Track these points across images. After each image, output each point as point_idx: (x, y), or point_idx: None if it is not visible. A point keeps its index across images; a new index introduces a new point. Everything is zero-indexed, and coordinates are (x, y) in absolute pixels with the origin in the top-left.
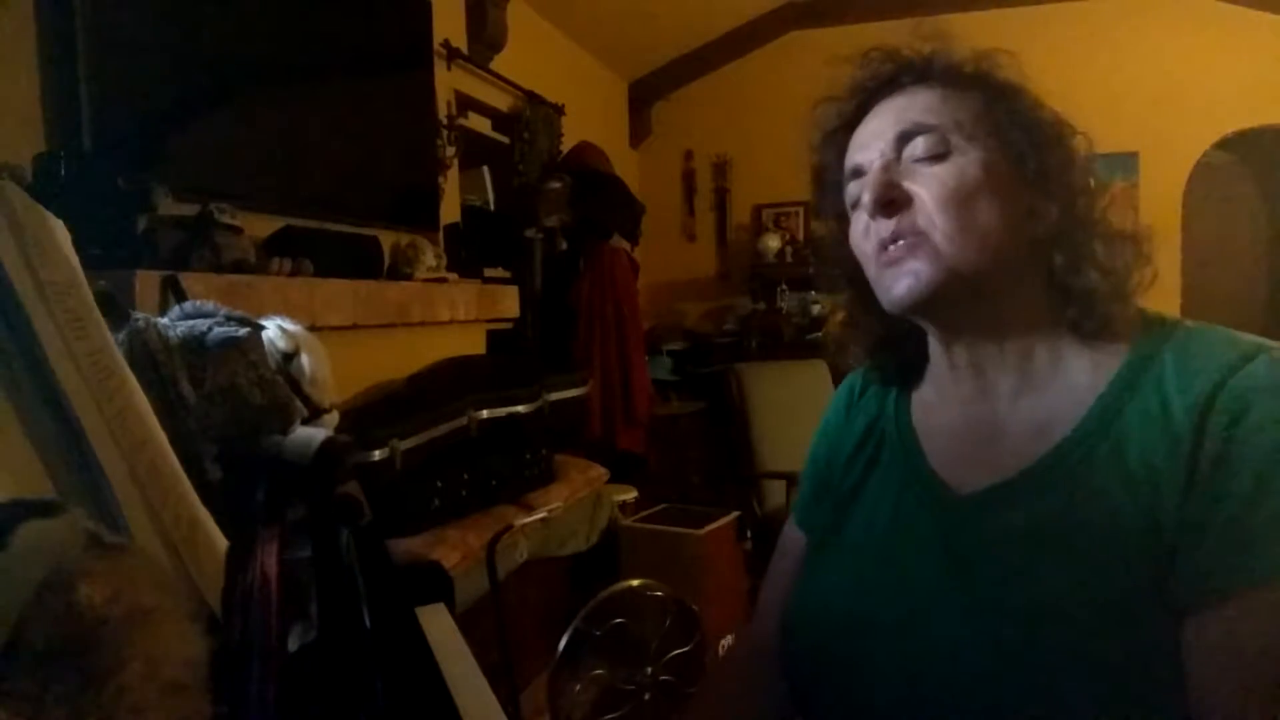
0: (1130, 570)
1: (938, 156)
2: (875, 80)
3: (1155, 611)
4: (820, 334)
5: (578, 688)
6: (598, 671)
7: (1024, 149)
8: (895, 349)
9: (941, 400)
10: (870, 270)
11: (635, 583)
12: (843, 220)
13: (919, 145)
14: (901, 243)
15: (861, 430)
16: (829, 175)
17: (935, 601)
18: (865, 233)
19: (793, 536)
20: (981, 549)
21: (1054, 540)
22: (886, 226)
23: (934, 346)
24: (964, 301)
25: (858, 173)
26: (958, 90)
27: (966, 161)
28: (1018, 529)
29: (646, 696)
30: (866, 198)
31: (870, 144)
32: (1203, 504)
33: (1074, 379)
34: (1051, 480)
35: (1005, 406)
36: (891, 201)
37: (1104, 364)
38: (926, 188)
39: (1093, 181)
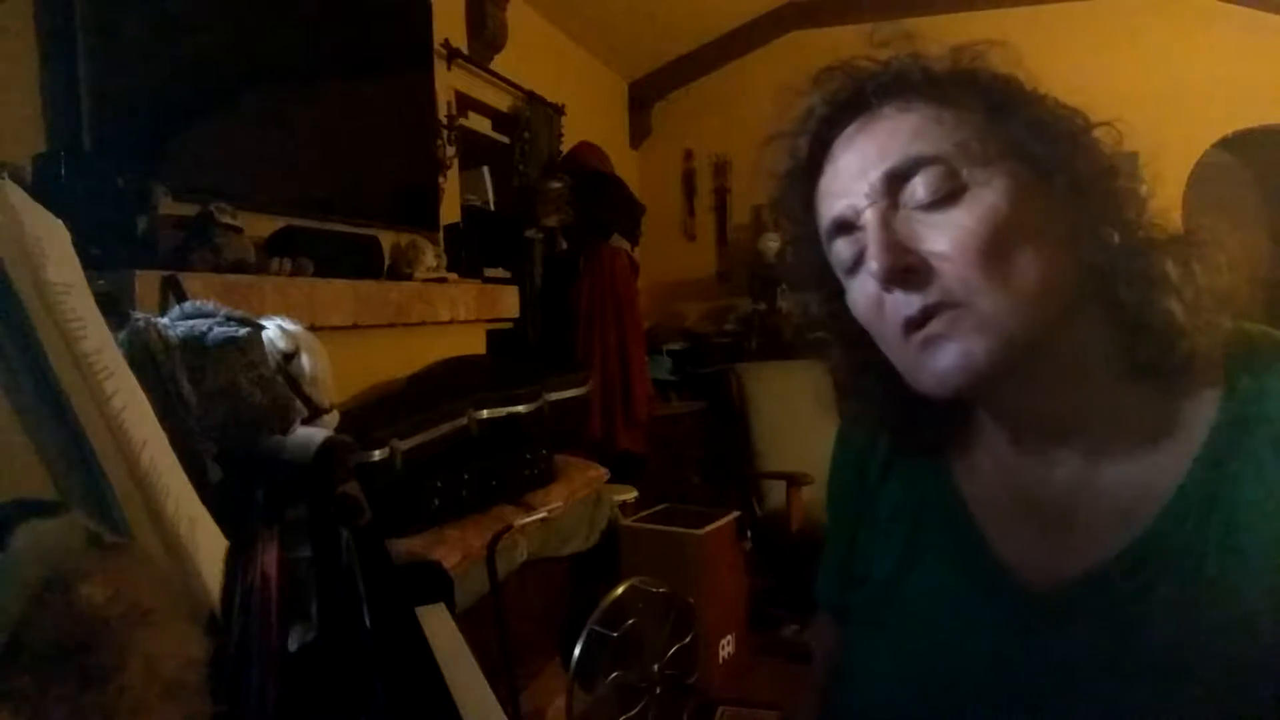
0: (1264, 683)
1: (949, 197)
2: (834, 104)
3: None
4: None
5: (602, 693)
6: (616, 674)
7: (1050, 162)
8: (920, 414)
9: (997, 475)
10: (893, 350)
11: (638, 581)
12: (827, 279)
13: (919, 186)
14: (937, 320)
15: (891, 513)
16: (797, 227)
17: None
18: (878, 306)
19: (828, 633)
20: (1075, 660)
21: (1159, 649)
22: (909, 302)
23: (980, 422)
24: (1025, 370)
25: (844, 228)
26: (947, 104)
27: (989, 196)
28: (1114, 634)
29: (658, 690)
30: (874, 267)
31: (851, 189)
32: None
33: (1163, 438)
34: (1151, 572)
35: (1081, 479)
36: (909, 269)
37: (1195, 413)
38: (950, 243)
39: (1143, 187)
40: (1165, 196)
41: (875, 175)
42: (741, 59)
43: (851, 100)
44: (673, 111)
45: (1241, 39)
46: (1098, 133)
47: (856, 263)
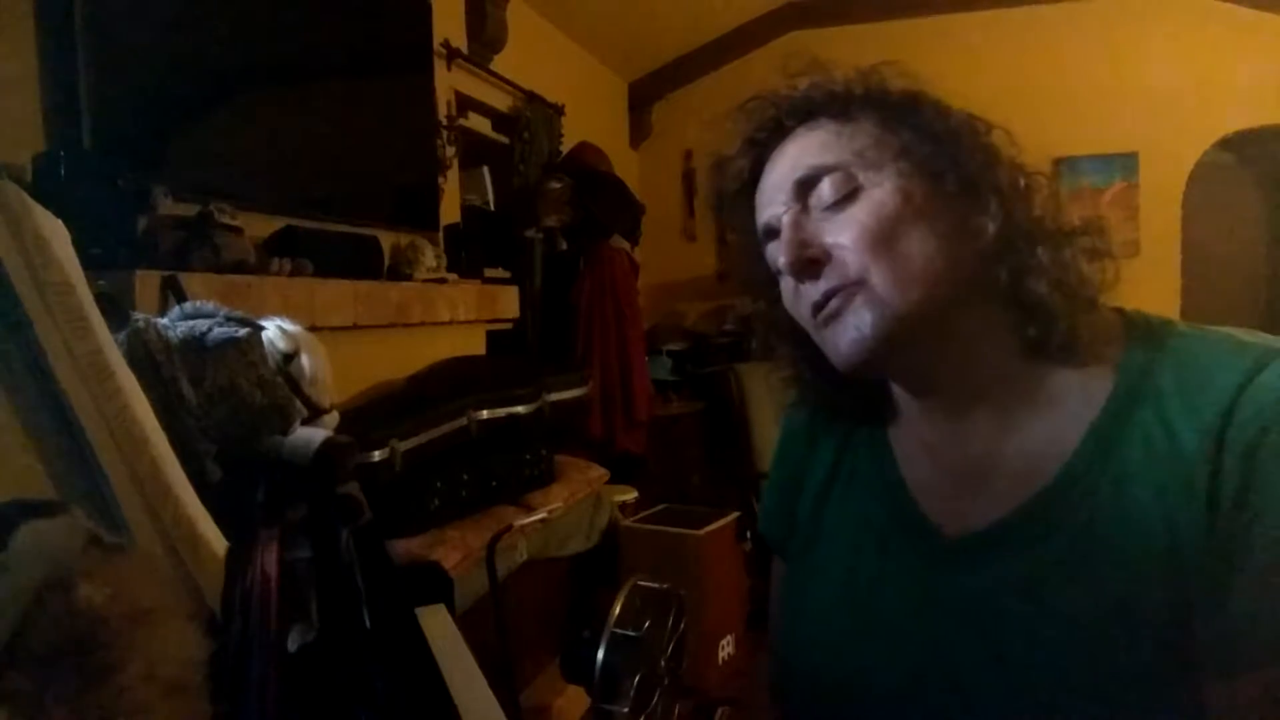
0: (1146, 626)
1: (848, 197)
2: (762, 130)
3: (1174, 670)
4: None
5: (631, 694)
6: (640, 674)
7: (939, 162)
8: (854, 393)
9: (920, 439)
10: (813, 335)
11: (638, 579)
12: (771, 283)
13: (825, 190)
14: (835, 299)
15: (831, 463)
16: (746, 239)
17: (931, 659)
18: (796, 296)
19: (780, 569)
20: (977, 600)
21: (1056, 592)
22: (815, 289)
23: (900, 393)
24: (919, 344)
25: (770, 233)
26: (849, 120)
27: (880, 193)
28: (1015, 578)
29: (666, 682)
30: (782, 261)
31: (773, 199)
32: (1227, 550)
33: (1061, 406)
34: (1050, 522)
35: (990, 442)
36: (812, 260)
37: (1091, 386)
38: (846, 233)
39: (1023, 180)
40: (1164, 196)
41: (788, 184)
42: (741, 59)
43: (775, 124)
44: (673, 111)
45: (1241, 39)
46: (994, 136)
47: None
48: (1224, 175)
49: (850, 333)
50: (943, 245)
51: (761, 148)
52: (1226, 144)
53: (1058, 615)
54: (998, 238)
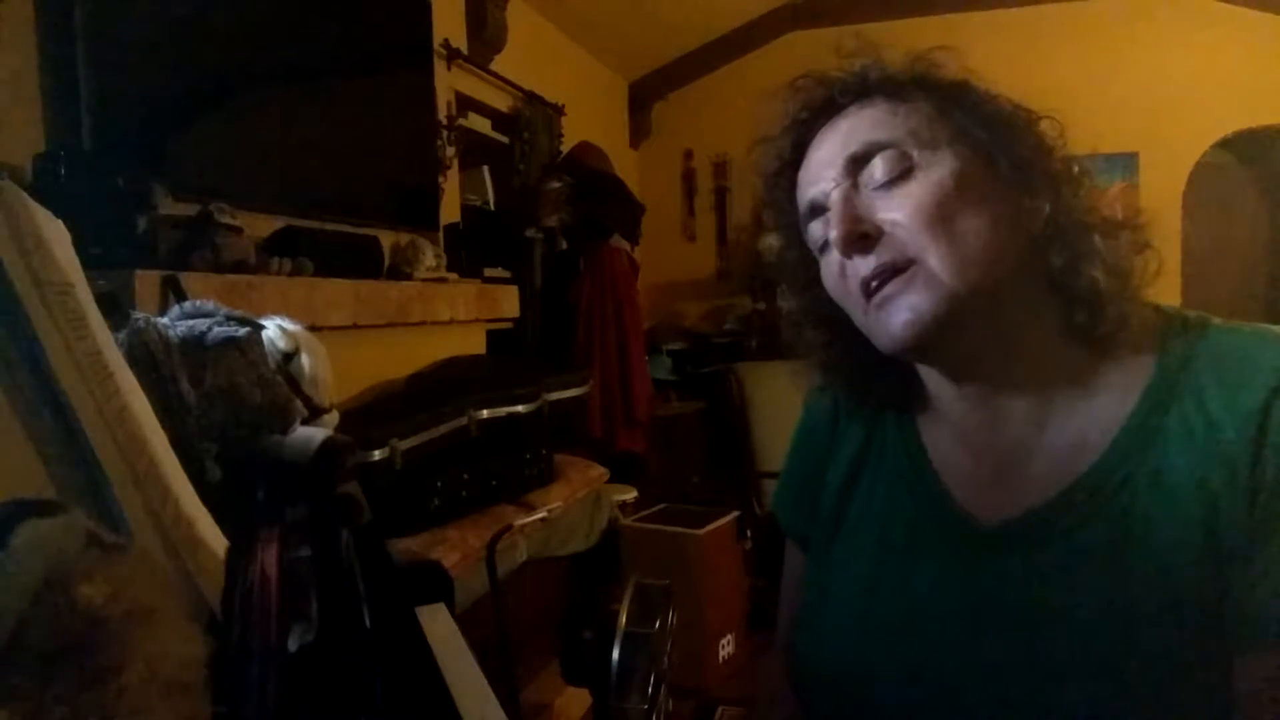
0: (1184, 616)
1: (902, 175)
2: (809, 109)
3: (1210, 658)
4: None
5: (649, 691)
6: (653, 672)
7: (992, 146)
8: (885, 376)
9: (952, 426)
10: (857, 315)
11: (638, 578)
12: (808, 264)
13: (877, 168)
14: (892, 283)
15: (857, 449)
16: (784, 219)
17: (966, 649)
18: (842, 274)
19: (797, 558)
20: (1012, 588)
21: (1093, 580)
22: (866, 264)
23: (936, 379)
24: (968, 327)
25: (815, 210)
26: (903, 100)
27: (938, 173)
28: (1051, 566)
29: (669, 678)
30: (834, 235)
31: (821, 175)
32: (1265, 533)
33: (1100, 396)
34: (1087, 511)
35: (1026, 431)
36: (864, 236)
37: (1131, 376)
38: (903, 210)
39: (1076, 168)
40: (1164, 195)
41: (840, 159)
42: (741, 59)
43: (824, 104)
44: (673, 111)
45: (1241, 39)
46: (1043, 125)
47: (826, 242)
48: (1224, 175)
49: (904, 314)
50: (998, 228)
51: (806, 126)
52: (1226, 144)
53: (1094, 605)
54: (1049, 223)
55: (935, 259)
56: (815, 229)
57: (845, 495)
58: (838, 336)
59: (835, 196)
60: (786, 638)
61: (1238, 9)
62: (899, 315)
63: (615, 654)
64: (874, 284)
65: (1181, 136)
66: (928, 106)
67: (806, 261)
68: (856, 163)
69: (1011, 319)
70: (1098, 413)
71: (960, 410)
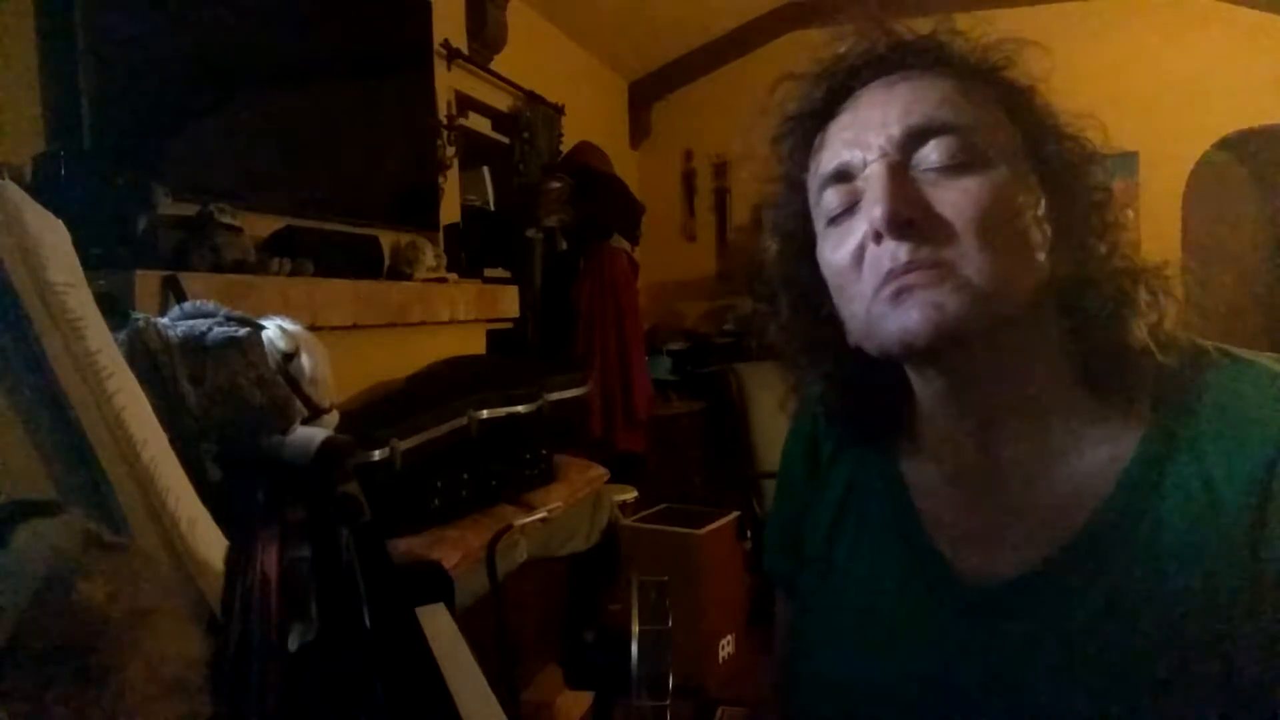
0: (1182, 685)
1: (963, 166)
2: (865, 57)
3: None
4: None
5: (669, 686)
6: (665, 667)
7: (1059, 170)
8: (860, 397)
9: (939, 465)
10: (855, 304)
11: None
12: (793, 236)
13: (935, 150)
14: (919, 272)
15: (839, 495)
16: (788, 172)
17: (956, 712)
18: (856, 257)
19: (784, 606)
20: (1008, 654)
21: (1090, 648)
22: (900, 253)
23: (929, 401)
24: (980, 346)
25: (843, 176)
26: (974, 85)
27: (1002, 176)
28: (1047, 634)
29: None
30: (876, 213)
31: (866, 139)
32: (1271, 619)
33: (1098, 444)
34: (1082, 575)
35: (1019, 476)
36: (912, 222)
37: (1126, 424)
38: (954, 206)
39: (1119, 216)
40: (1164, 195)
41: (897, 129)
42: (741, 59)
43: (883, 58)
44: (673, 111)
45: (1241, 39)
46: (1094, 164)
47: (844, 212)
48: (1224, 175)
49: (926, 309)
50: (1039, 253)
51: (851, 75)
52: (1226, 144)
53: (1092, 670)
54: (1083, 264)
55: (974, 266)
56: (831, 195)
57: (831, 544)
58: (808, 328)
59: (879, 170)
60: (778, 677)
61: (1238, 9)
62: (919, 310)
63: (634, 652)
64: (896, 273)
65: (1181, 136)
66: (995, 102)
67: (801, 224)
68: (915, 138)
69: (1022, 353)
70: (1092, 465)
71: (950, 447)
